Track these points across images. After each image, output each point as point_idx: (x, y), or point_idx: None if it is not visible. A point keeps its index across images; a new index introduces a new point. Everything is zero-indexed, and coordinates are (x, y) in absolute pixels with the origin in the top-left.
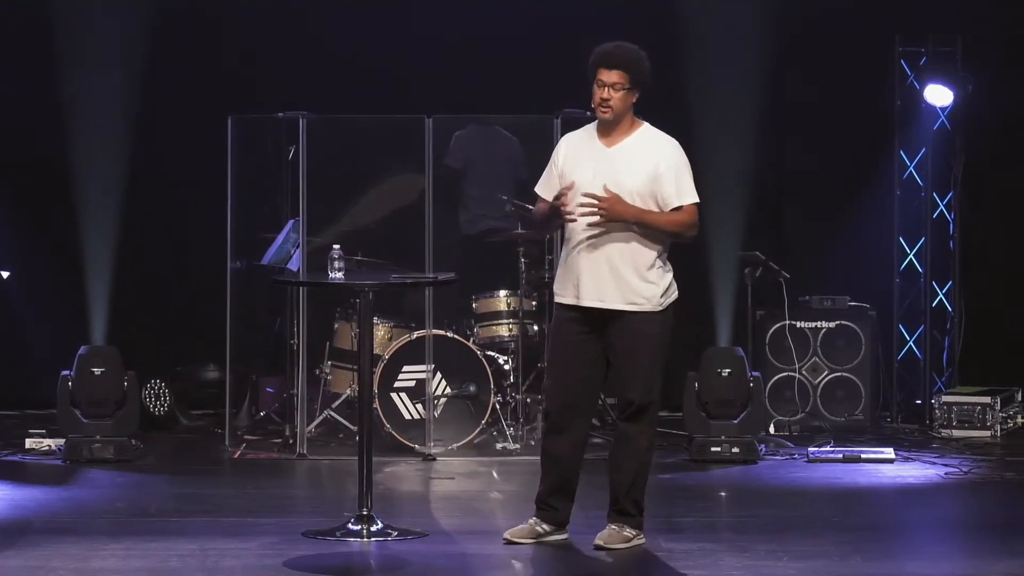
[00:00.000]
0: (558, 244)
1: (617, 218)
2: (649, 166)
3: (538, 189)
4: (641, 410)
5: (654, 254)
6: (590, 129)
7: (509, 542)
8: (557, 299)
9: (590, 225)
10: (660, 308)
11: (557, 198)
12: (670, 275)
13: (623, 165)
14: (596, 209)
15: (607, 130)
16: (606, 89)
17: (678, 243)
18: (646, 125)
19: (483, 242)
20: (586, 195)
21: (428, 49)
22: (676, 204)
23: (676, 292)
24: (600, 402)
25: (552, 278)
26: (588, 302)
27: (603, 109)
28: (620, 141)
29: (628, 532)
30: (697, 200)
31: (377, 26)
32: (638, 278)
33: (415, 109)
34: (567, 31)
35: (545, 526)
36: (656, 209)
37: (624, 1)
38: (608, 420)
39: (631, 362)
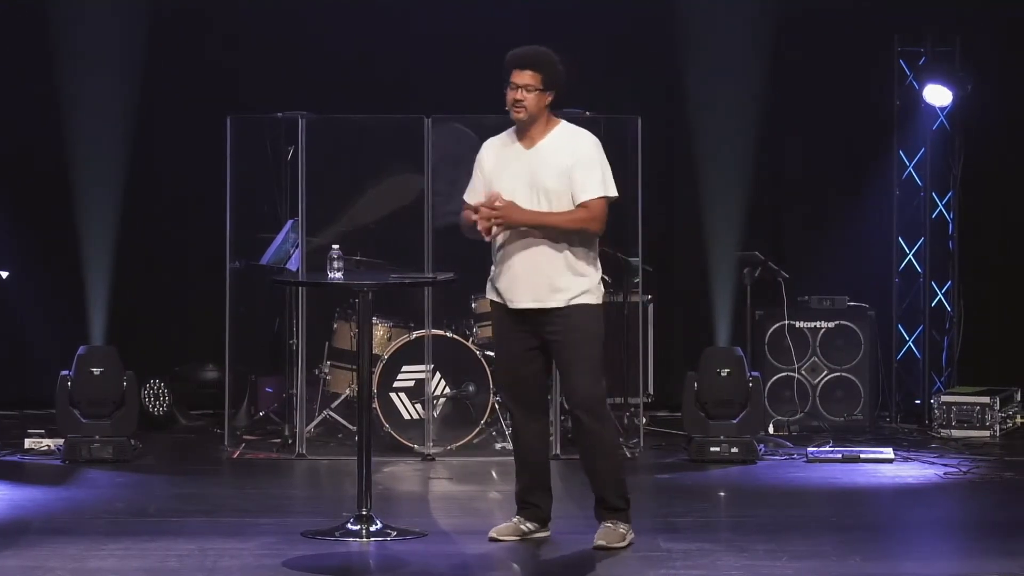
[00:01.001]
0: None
1: (514, 225)
2: (565, 163)
3: (465, 197)
4: (588, 402)
5: (580, 249)
6: (510, 132)
7: (494, 540)
8: (492, 297)
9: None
10: (594, 302)
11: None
12: (597, 270)
13: (540, 165)
14: (495, 218)
15: (524, 132)
16: (519, 91)
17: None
18: (563, 123)
19: (482, 242)
20: (483, 205)
21: (427, 49)
22: (581, 199)
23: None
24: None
25: None
26: (518, 303)
27: (516, 110)
28: (537, 142)
29: (622, 528)
30: (603, 194)
31: (376, 26)
32: (561, 273)
33: (414, 109)
34: (566, 31)
35: (529, 524)
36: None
37: (622, 1)
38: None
39: (565, 356)
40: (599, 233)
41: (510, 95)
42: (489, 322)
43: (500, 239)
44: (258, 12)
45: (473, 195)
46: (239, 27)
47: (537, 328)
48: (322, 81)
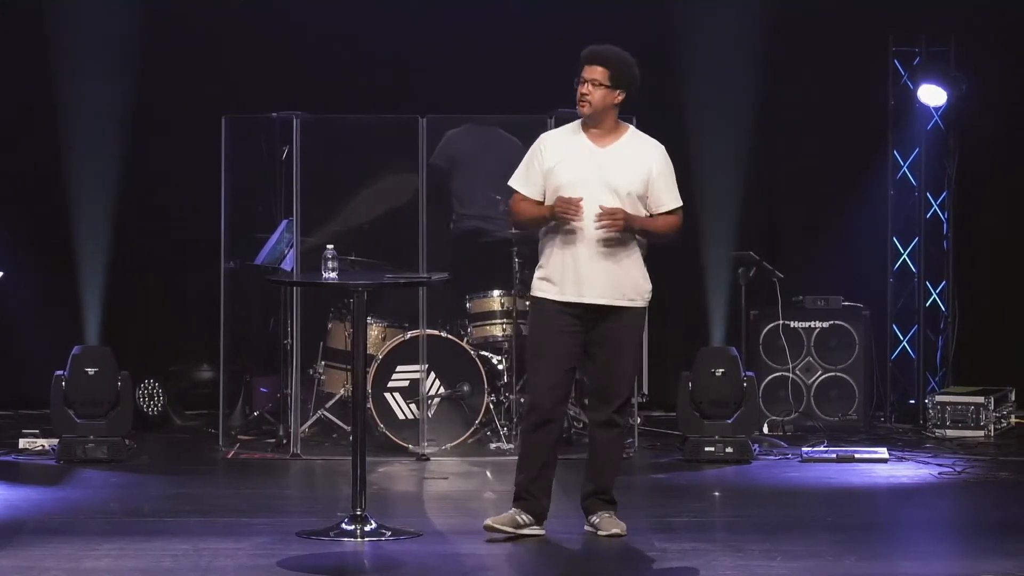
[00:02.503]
0: None
1: (627, 229)
2: (643, 170)
3: (517, 185)
4: (627, 403)
5: (641, 252)
6: (574, 127)
7: (490, 528)
8: (545, 294)
9: (592, 225)
10: (646, 304)
11: (565, 202)
12: None
13: (616, 167)
14: (611, 220)
15: (593, 129)
16: (586, 84)
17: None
18: (632, 128)
19: (477, 242)
20: (603, 208)
21: (422, 49)
22: (669, 208)
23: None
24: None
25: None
26: (590, 299)
27: (581, 103)
28: (610, 143)
29: (619, 520)
30: (679, 204)
31: (371, 26)
32: (638, 274)
33: (409, 109)
34: (562, 31)
35: (525, 517)
36: (643, 210)
37: (617, 1)
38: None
39: (621, 357)
40: (678, 241)
41: (579, 89)
42: (483, 322)
43: (571, 233)
44: (253, 12)
45: (528, 185)
46: (234, 27)
47: (593, 325)
48: (317, 81)
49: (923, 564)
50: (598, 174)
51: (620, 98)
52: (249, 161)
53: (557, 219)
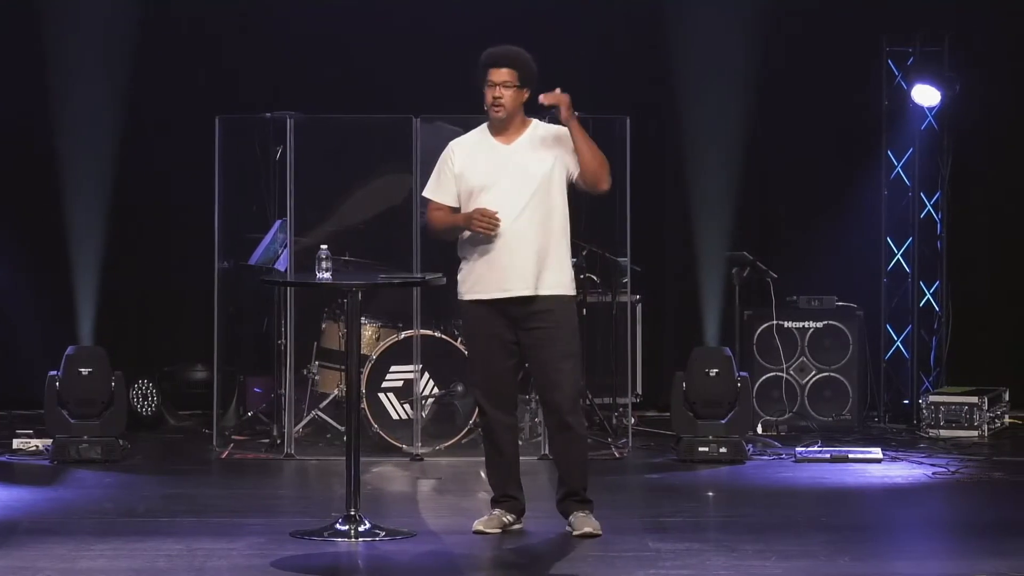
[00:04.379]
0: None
1: (567, 110)
2: (551, 149)
3: (429, 194)
4: (575, 403)
5: (567, 243)
6: (481, 131)
7: (480, 533)
8: (470, 296)
9: (510, 218)
10: (571, 295)
11: (483, 216)
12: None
13: (525, 158)
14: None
15: (501, 129)
16: (497, 88)
17: (589, 192)
18: (536, 121)
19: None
20: (545, 97)
21: (415, 49)
22: None
23: None
24: (588, 401)
25: None
26: (513, 292)
27: (496, 108)
28: (516, 138)
29: (594, 519)
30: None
31: (365, 26)
32: (560, 266)
33: (402, 109)
34: (554, 30)
35: (509, 516)
36: (564, 188)
37: (611, 1)
38: (596, 420)
39: (555, 356)
40: (608, 188)
41: (488, 93)
42: None
43: (476, 237)
44: (247, 13)
45: (441, 194)
46: (228, 28)
47: (521, 324)
48: (311, 81)
49: (917, 564)
50: (509, 171)
51: (527, 95)
52: (243, 161)
53: (473, 231)
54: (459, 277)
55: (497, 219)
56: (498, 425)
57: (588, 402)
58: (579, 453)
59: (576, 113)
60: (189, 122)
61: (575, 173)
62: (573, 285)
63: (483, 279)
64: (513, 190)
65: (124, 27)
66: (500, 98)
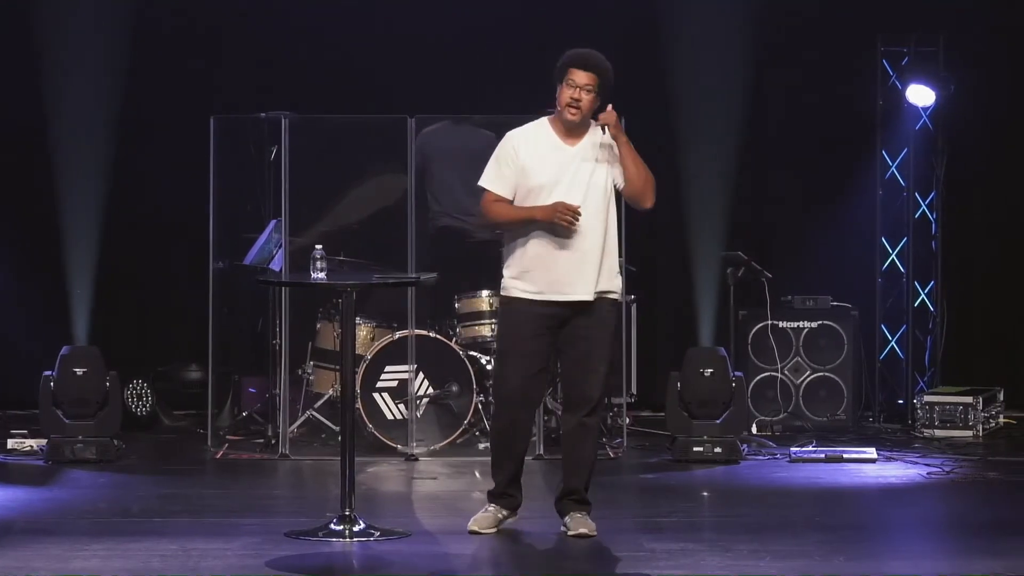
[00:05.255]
0: None
1: (615, 129)
2: (609, 156)
3: (489, 184)
4: (599, 405)
5: (615, 246)
6: (540, 125)
7: (475, 532)
8: (518, 294)
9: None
10: (619, 298)
11: (567, 209)
12: None
13: (588, 162)
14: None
15: (568, 131)
16: (577, 90)
17: (636, 208)
18: (595, 125)
19: (465, 242)
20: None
21: (411, 49)
22: None
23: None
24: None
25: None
26: (565, 296)
27: (573, 110)
28: (579, 141)
29: (591, 520)
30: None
31: (359, 26)
32: (611, 269)
33: (397, 109)
34: (549, 31)
35: (503, 512)
36: (614, 204)
37: (606, 3)
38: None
39: (592, 357)
40: (651, 206)
41: (567, 93)
42: (472, 322)
43: (530, 234)
44: (241, 12)
45: (500, 184)
46: (222, 27)
47: (565, 323)
48: (305, 81)
49: (911, 564)
50: (573, 172)
51: (599, 103)
52: (237, 161)
53: (556, 223)
54: (507, 272)
55: (579, 213)
56: (519, 427)
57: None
58: (589, 455)
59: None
60: (184, 122)
61: (621, 184)
62: (622, 292)
63: (538, 279)
64: (576, 192)
65: (118, 27)
66: (579, 100)
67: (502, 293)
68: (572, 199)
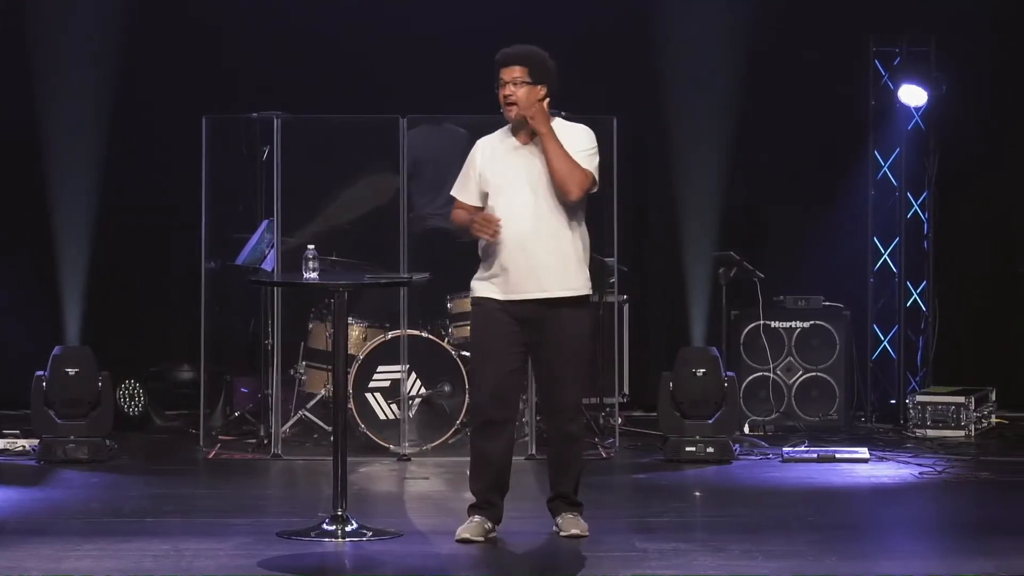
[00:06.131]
0: None
1: (534, 124)
2: (568, 147)
3: (456, 193)
4: (577, 410)
5: (582, 243)
6: (505, 130)
7: (464, 541)
8: (485, 294)
9: (526, 219)
10: (586, 295)
11: (484, 220)
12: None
13: (542, 157)
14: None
15: (521, 129)
16: (508, 86)
17: (568, 201)
18: (560, 119)
19: (456, 243)
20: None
21: (403, 49)
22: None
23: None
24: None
25: None
26: (529, 295)
27: (508, 107)
28: (534, 138)
29: (582, 521)
30: (593, 174)
31: (353, 26)
32: (575, 268)
33: (389, 109)
34: (542, 31)
35: (489, 524)
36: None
37: (598, 2)
38: (584, 420)
39: (564, 363)
40: (578, 200)
41: (501, 94)
42: (465, 322)
43: (504, 232)
44: (234, 12)
45: (464, 192)
46: (215, 27)
47: (534, 327)
48: (297, 81)
49: (903, 564)
50: (526, 171)
51: (543, 92)
52: (229, 161)
53: (474, 235)
54: (476, 274)
55: (498, 224)
56: (495, 429)
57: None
58: (574, 459)
59: (563, 113)
60: (176, 122)
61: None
62: (588, 286)
63: (500, 280)
64: (529, 190)
65: (111, 27)
66: (510, 96)
67: (471, 294)
68: (526, 199)
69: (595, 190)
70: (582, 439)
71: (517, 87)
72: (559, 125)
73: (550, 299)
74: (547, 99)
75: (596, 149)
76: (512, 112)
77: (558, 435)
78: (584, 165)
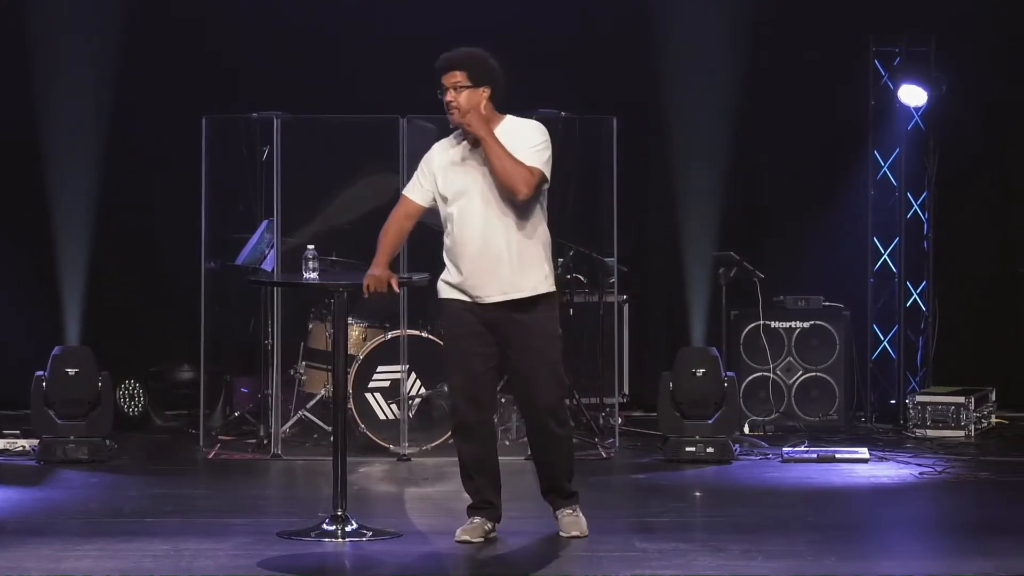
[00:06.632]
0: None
1: (471, 129)
2: (513, 146)
3: (408, 193)
4: (558, 408)
5: (541, 241)
6: (457, 134)
7: (464, 542)
8: (449, 295)
9: (480, 223)
10: (547, 293)
11: (375, 283)
12: (550, 266)
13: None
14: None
15: (469, 133)
16: (448, 92)
17: (514, 200)
18: (509, 117)
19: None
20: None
21: (403, 49)
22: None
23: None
24: (575, 401)
25: None
26: (489, 298)
27: (450, 112)
28: None
29: (580, 514)
30: (539, 168)
31: (353, 26)
32: (531, 267)
33: (388, 109)
34: (541, 31)
35: (489, 524)
36: (535, 200)
37: (598, 2)
38: (583, 420)
39: (534, 362)
40: (527, 198)
41: (443, 100)
42: None
43: (453, 241)
44: (233, 12)
45: (413, 192)
46: (214, 28)
47: (495, 326)
48: (296, 81)
49: (903, 564)
50: (476, 175)
51: (486, 93)
52: (229, 161)
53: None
54: (441, 275)
55: (382, 290)
56: (475, 429)
57: (575, 402)
58: (557, 455)
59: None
60: (175, 122)
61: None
62: (549, 283)
63: (461, 282)
64: (480, 194)
65: (110, 27)
66: (452, 101)
67: (438, 295)
68: (478, 203)
69: (547, 185)
70: (567, 438)
71: (458, 92)
72: (508, 124)
73: (510, 301)
74: (490, 100)
75: (546, 144)
76: (455, 116)
77: (539, 435)
78: (532, 161)
